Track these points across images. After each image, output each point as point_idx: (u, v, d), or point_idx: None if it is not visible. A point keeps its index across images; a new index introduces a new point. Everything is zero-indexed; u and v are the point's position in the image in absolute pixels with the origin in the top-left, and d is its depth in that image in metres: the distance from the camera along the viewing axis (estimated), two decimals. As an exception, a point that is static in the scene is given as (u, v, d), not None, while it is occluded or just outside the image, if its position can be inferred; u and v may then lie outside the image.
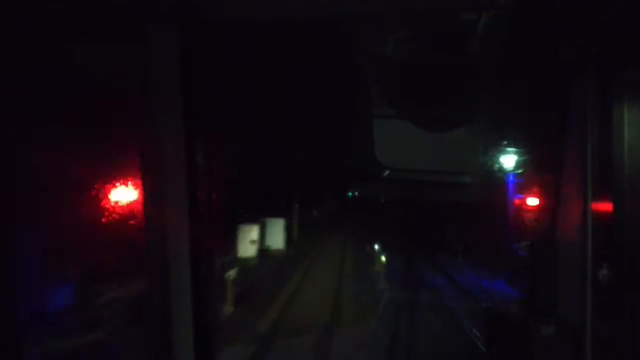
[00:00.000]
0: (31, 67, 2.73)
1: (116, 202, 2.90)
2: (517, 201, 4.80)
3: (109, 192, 2.91)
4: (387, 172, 6.61)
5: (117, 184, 2.91)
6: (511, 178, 5.16)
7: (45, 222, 2.88)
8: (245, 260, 14.54)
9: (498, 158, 5.38)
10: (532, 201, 3.99)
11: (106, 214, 2.90)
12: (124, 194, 2.91)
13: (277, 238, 17.03)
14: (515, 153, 4.87)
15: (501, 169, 5.29)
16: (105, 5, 2.67)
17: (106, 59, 2.86)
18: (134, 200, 2.91)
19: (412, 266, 14.14)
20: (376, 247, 13.87)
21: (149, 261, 2.80)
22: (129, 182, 2.90)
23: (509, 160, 5.08)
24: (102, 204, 2.89)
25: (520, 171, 4.75)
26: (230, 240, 14.18)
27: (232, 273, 9.92)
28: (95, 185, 2.87)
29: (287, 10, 2.80)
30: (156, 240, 2.71)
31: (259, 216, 15.74)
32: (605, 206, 3.01)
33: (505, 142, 5.11)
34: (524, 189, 4.49)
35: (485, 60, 4.90)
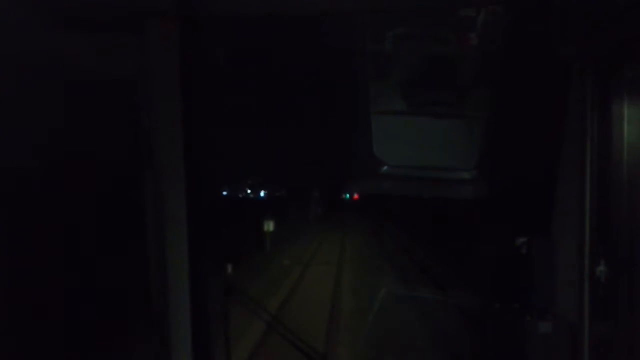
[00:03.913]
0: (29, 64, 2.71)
1: (115, 199, 2.89)
2: (515, 197, 4.80)
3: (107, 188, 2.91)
4: (385, 167, 6.60)
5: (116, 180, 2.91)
6: (509, 174, 5.16)
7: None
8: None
9: (496, 154, 5.38)
10: (530, 197, 4.00)
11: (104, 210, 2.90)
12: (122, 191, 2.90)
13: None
14: (513, 149, 4.87)
15: (499, 165, 5.29)
16: (104, 1, 2.66)
17: (104, 55, 2.85)
18: (132, 197, 2.91)
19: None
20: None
21: (147, 258, 2.81)
22: (127, 179, 2.90)
23: (506, 156, 5.08)
24: (100, 201, 2.89)
25: (518, 167, 4.76)
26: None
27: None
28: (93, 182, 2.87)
29: (286, 7, 2.80)
30: (154, 238, 2.71)
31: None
32: (604, 203, 3.01)
33: (503, 138, 5.11)
34: (522, 185, 4.49)
35: (483, 57, 4.90)
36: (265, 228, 15.60)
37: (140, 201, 2.81)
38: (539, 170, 3.77)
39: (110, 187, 2.90)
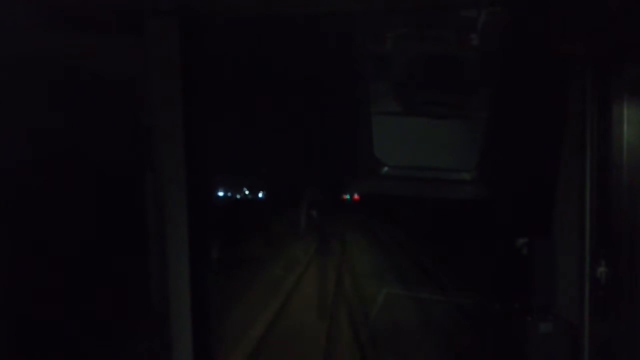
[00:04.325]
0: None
1: (116, 200, 2.88)
2: (515, 198, 4.80)
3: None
4: (385, 168, 6.60)
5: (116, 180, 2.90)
6: (509, 175, 5.16)
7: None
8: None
9: (496, 154, 5.38)
10: (530, 198, 3.99)
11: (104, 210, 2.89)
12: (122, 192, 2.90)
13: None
14: (514, 149, 4.87)
15: (499, 166, 5.29)
16: (104, 1, 2.66)
17: (105, 54, 2.84)
18: (133, 198, 2.90)
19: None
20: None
21: (148, 259, 2.81)
22: (128, 180, 2.89)
23: (507, 156, 5.08)
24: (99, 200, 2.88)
25: (518, 168, 4.75)
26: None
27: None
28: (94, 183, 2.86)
29: (285, 7, 2.80)
30: (155, 238, 2.71)
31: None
32: (604, 203, 3.01)
33: (503, 139, 5.11)
34: (522, 185, 4.49)
35: (484, 57, 4.90)
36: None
37: (141, 201, 2.81)
38: (539, 171, 3.76)
39: (111, 187, 2.90)
